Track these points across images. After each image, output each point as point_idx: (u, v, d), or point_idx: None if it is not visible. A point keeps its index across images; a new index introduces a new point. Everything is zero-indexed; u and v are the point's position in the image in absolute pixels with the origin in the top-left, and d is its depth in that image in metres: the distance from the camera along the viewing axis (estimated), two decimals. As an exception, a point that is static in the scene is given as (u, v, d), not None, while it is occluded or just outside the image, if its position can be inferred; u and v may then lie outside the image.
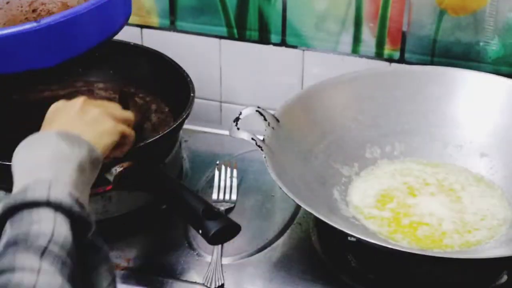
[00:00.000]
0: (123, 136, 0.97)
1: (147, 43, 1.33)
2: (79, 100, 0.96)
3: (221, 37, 1.34)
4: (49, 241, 0.73)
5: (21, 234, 0.74)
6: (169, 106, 1.24)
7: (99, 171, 0.90)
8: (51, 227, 0.75)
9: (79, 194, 0.81)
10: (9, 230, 0.76)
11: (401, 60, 1.27)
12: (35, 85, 1.24)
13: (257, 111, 1.09)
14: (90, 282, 0.78)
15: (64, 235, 0.75)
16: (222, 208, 1.15)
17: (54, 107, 0.97)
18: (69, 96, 1.01)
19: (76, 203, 0.78)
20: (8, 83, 1.03)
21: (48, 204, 0.77)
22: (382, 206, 1.10)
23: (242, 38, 1.33)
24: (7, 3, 1.13)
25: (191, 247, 1.10)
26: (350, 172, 1.15)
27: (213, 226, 0.96)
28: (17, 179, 0.82)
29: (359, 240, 0.97)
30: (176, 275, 1.05)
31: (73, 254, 0.75)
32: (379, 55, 1.28)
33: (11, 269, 0.71)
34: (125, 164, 1.04)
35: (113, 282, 0.80)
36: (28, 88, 1.25)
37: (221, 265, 1.06)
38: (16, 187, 0.81)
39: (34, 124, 0.97)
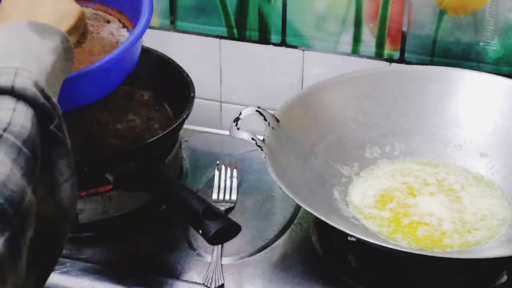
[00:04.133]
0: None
1: (147, 43, 1.33)
2: None
3: (221, 37, 1.34)
4: (4, 129, 0.71)
5: None
6: (169, 106, 1.24)
7: (72, 63, 0.87)
8: (9, 115, 0.72)
9: (46, 85, 0.78)
10: None
11: (401, 60, 1.27)
12: None
13: (257, 111, 1.09)
14: (48, 175, 0.76)
15: (21, 124, 0.72)
16: (222, 208, 1.15)
17: None
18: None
19: (41, 94, 0.76)
20: None
21: (12, 91, 0.74)
22: (382, 206, 1.10)
23: (242, 38, 1.33)
24: None
25: (191, 247, 1.10)
26: (350, 172, 1.15)
27: (213, 226, 0.96)
28: None
29: (359, 240, 0.97)
30: (176, 275, 1.05)
31: (31, 144, 0.72)
32: (379, 55, 1.28)
33: None
34: (126, 164, 1.04)
35: (72, 177, 0.77)
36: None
37: (221, 265, 1.06)
38: None
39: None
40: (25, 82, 0.75)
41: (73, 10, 0.90)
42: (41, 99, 0.75)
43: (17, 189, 0.68)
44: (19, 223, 0.68)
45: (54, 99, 0.77)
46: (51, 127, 0.75)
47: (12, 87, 0.74)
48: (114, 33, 1.07)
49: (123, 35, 1.06)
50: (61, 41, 0.84)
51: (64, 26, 0.87)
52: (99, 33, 1.07)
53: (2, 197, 0.67)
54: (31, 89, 0.75)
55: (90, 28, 1.04)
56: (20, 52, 0.80)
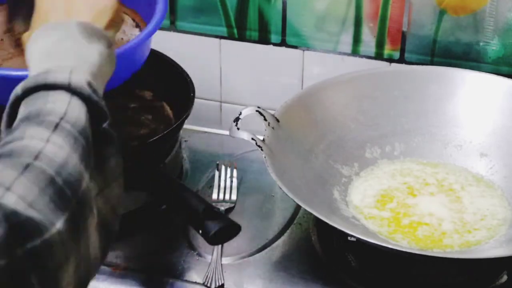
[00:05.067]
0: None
1: (147, 43, 1.33)
2: None
3: (221, 37, 1.34)
4: (61, 118, 0.72)
5: (33, 111, 0.73)
6: (169, 106, 1.24)
7: (113, 68, 0.88)
8: (64, 107, 0.74)
9: (96, 86, 0.80)
10: (23, 108, 0.75)
11: (401, 60, 1.27)
12: None
13: (257, 111, 1.09)
14: (100, 173, 0.76)
15: (76, 116, 0.74)
16: (222, 208, 1.15)
17: None
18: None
19: (94, 93, 0.77)
20: None
21: (68, 88, 0.75)
22: (382, 206, 1.11)
23: (242, 38, 1.33)
24: None
25: (191, 247, 1.10)
26: (350, 172, 1.15)
27: (213, 226, 0.96)
28: (35, 63, 0.81)
29: (359, 240, 0.97)
30: (176, 275, 1.05)
31: (86, 136, 0.74)
32: (379, 55, 1.28)
33: (20, 138, 0.70)
34: (126, 164, 1.04)
35: (120, 176, 0.79)
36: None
37: (221, 265, 1.06)
38: (34, 71, 0.79)
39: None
40: (80, 81, 0.76)
41: (109, 4, 0.89)
42: (95, 97, 0.76)
43: (75, 172, 0.70)
44: (78, 206, 0.69)
45: (103, 101, 0.79)
46: (104, 125, 0.77)
47: (69, 84, 0.75)
48: (126, 31, 1.07)
49: (134, 35, 1.05)
50: (106, 46, 0.85)
51: (102, 22, 0.87)
52: None
53: (61, 179, 0.68)
54: (86, 88, 0.76)
55: None
56: (72, 53, 0.81)
